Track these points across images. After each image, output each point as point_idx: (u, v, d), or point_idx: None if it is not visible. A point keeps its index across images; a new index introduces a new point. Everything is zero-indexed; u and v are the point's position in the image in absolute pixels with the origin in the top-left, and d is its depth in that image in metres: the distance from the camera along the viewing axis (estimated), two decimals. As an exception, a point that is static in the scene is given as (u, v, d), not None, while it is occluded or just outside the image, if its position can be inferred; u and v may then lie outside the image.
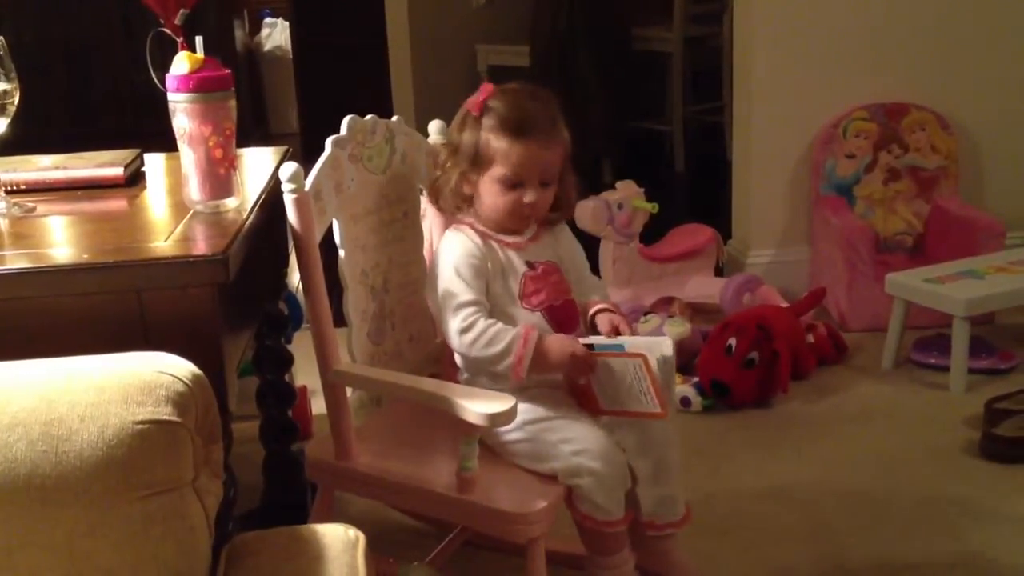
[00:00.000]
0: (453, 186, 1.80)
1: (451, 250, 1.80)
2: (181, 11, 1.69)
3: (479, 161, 1.77)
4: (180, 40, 1.68)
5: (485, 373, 1.79)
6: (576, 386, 1.81)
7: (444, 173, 1.82)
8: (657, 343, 1.75)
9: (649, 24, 4.96)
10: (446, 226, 1.95)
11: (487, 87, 1.79)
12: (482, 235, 1.82)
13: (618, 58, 4.78)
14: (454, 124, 1.82)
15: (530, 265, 1.83)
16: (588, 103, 4.54)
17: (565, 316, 1.83)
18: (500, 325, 1.75)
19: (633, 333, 1.84)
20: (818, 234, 3.36)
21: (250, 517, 2.05)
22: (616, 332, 1.81)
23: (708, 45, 4.98)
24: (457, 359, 1.85)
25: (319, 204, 1.71)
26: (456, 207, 1.83)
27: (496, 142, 1.75)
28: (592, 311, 1.87)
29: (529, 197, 1.79)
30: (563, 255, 1.89)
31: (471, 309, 1.75)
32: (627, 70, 4.85)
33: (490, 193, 1.79)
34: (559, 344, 1.75)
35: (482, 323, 1.74)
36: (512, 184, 1.77)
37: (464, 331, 1.74)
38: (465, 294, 1.76)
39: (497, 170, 1.76)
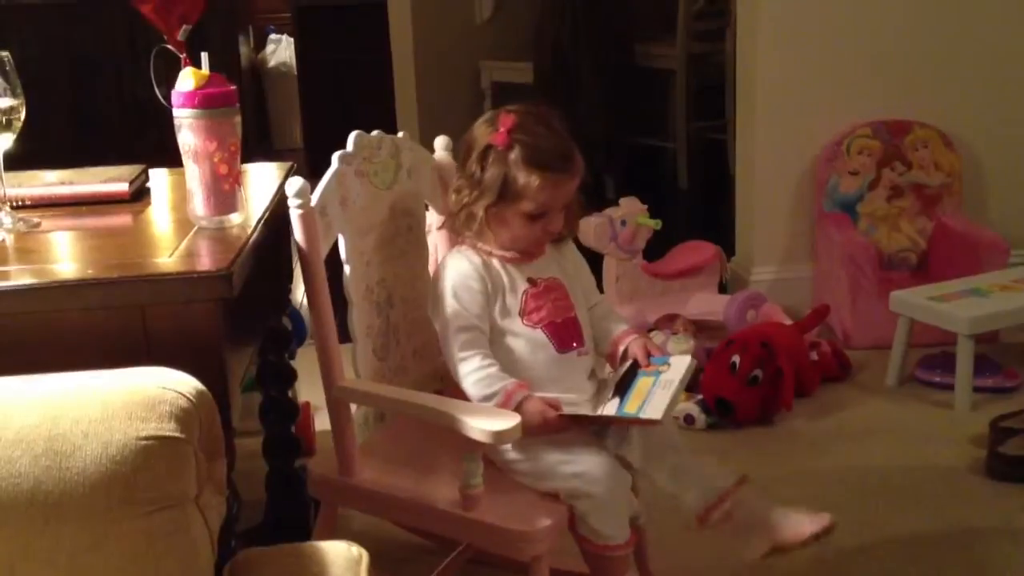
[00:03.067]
0: (480, 220, 1.77)
1: (450, 274, 1.79)
2: (184, 27, 1.70)
3: (506, 195, 1.75)
4: (183, 56, 1.69)
5: None
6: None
7: (466, 207, 1.78)
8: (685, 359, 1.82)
9: (652, 41, 4.97)
10: (452, 242, 1.95)
11: (507, 119, 1.76)
12: (483, 255, 1.81)
13: (621, 74, 4.80)
14: (474, 157, 1.77)
15: (532, 282, 1.82)
16: (591, 119, 4.55)
17: (566, 333, 1.82)
18: (494, 369, 1.74)
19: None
20: (821, 251, 3.36)
21: (253, 533, 2.04)
22: (648, 355, 1.84)
23: (711, 61, 4.98)
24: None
25: (325, 219, 1.71)
26: (476, 234, 1.81)
27: (525, 178, 1.73)
28: (624, 344, 1.87)
29: (553, 225, 1.79)
30: (569, 270, 1.89)
31: (468, 336, 1.75)
32: (630, 86, 4.86)
33: (516, 225, 1.78)
34: (534, 411, 1.71)
35: (478, 360, 1.74)
36: (538, 216, 1.77)
37: (462, 361, 1.75)
38: (462, 319, 1.76)
39: (526, 205, 1.75)
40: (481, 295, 1.78)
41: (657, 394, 1.74)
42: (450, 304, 1.77)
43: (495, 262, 1.81)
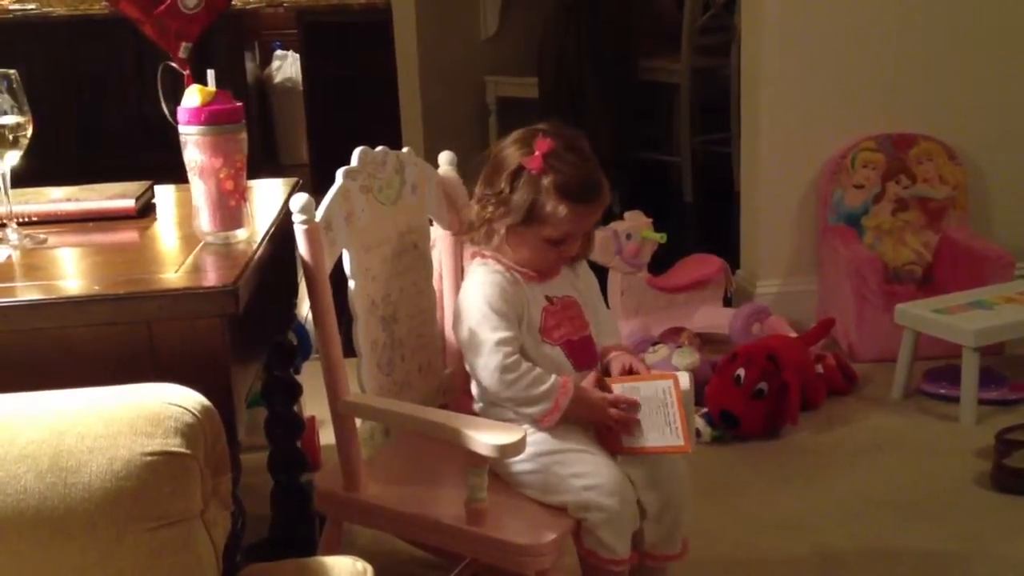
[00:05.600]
0: (500, 237, 1.78)
1: (482, 286, 1.79)
2: (184, 44, 1.71)
3: (531, 218, 1.76)
4: (187, 73, 1.70)
5: (508, 408, 1.79)
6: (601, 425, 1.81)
7: (488, 222, 1.78)
8: (676, 376, 1.76)
9: (657, 55, 4.98)
10: (457, 257, 1.96)
11: (544, 143, 1.75)
12: (507, 269, 1.82)
13: (626, 89, 4.81)
14: (504, 175, 1.76)
15: (549, 300, 1.83)
16: (596, 134, 4.52)
17: (583, 351, 1.83)
18: (540, 369, 1.75)
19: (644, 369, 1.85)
20: (827, 264, 3.36)
21: (258, 548, 2.04)
22: (629, 372, 1.82)
23: (716, 76, 5.00)
24: (474, 389, 1.85)
25: (330, 235, 1.72)
26: (495, 249, 1.81)
27: (554, 207, 1.74)
28: (607, 357, 1.87)
29: (569, 250, 1.81)
30: (581, 289, 1.90)
31: (511, 347, 1.75)
32: (635, 101, 4.87)
33: (534, 247, 1.78)
34: (598, 396, 1.76)
35: (525, 365, 1.74)
36: (558, 241, 1.78)
37: (507, 369, 1.73)
38: (503, 331, 1.75)
39: (549, 231, 1.76)
40: (512, 308, 1.78)
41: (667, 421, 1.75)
42: (487, 315, 1.76)
43: (518, 276, 1.82)
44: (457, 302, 1.84)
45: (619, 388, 1.78)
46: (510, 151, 1.78)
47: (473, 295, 1.79)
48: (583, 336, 1.84)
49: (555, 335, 1.81)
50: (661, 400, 1.74)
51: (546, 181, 1.74)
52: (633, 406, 1.76)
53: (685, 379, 1.76)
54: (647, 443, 1.76)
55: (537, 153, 1.75)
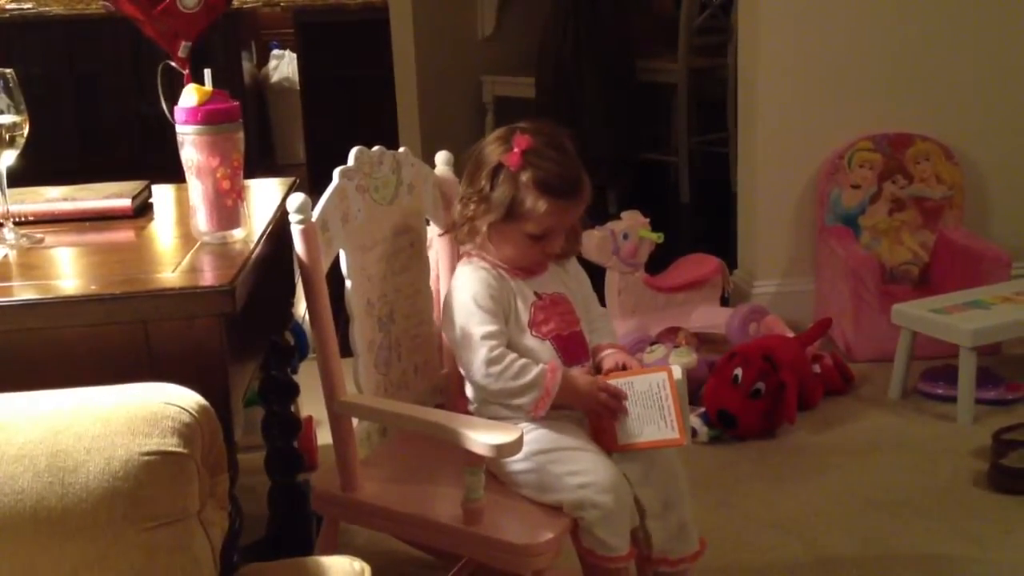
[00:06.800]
0: (483, 235, 1.79)
1: (468, 283, 1.80)
2: (183, 44, 1.71)
3: (511, 215, 1.76)
4: (186, 72, 1.70)
5: (500, 403, 1.79)
6: (595, 419, 1.81)
7: (470, 220, 1.80)
8: (670, 369, 1.77)
9: (654, 55, 4.99)
10: (453, 257, 1.96)
11: (522, 139, 1.76)
12: (492, 266, 1.82)
13: (623, 89, 4.81)
14: (484, 172, 1.78)
15: (538, 295, 1.84)
16: (593, 134, 4.55)
17: (573, 347, 1.83)
18: (526, 359, 1.75)
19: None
20: (824, 264, 3.36)
21: (255, 548, 2.04)
22: (623, 368, 1.82)
23: (713, 76, 5.00)
24: (468, 390, 1.85)
25: (326, 235, 1.72)
26: (478, 247, 1.83)
27: (533, 202, 1.75)
28: (600, 355, 1.88)
29: (552, 246, 1.81)
30: (572, 286, 1.90)
31: (496, 341, 1.75)
32: (632, 101, 4.87)
33: (516, 243, 1.79)
34: (586, 380, 1.77)
35: (511, 355, 1.75)
36: (539, 237, 1.79)
37: (492, 362, 1.74)
38: (489, 325, 1.76)
39: (529, 226, 1.77)
40: (500, 303, 1.79)
41: (662, 414, 1.75)
42: (473, 312, 1.77)
43: (504, 273, 1.82)
44: (444, 301, 1.85)
45: (613, 383, 1.79)
46: (490, 149, 1.80)
47: (459, 293, 1.80)
48: (573, 332, 1.85)
49: (544, 329, 1.81)
50: (655, 394, 1.74)
51: (524, 177, 1.75)
52: (621, 396, 1.76)
53: (677, 370, 1.76)
54: (642, 438, 1.76)
55: (515, 150, 1.76)
